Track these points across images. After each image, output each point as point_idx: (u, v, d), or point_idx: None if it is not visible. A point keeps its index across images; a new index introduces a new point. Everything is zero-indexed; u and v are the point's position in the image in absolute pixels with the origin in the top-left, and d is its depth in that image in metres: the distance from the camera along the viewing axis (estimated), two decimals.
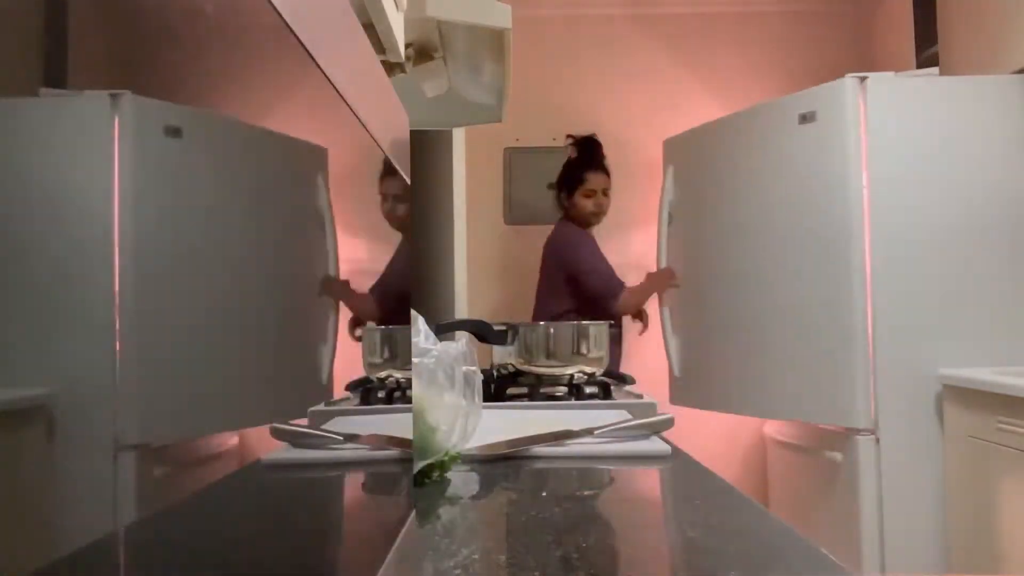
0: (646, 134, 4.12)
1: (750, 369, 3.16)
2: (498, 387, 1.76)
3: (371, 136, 0.67)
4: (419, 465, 0.95)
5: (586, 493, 1.08)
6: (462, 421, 1.04)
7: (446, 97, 1.78)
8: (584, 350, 1.72)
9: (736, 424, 3.84)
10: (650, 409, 1.66)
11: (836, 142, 2.87)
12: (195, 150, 0.36)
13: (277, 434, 0.46)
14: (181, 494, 0.33)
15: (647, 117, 4.15)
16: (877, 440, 2.76)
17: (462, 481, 1.02)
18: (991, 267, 2.83)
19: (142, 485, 0.30)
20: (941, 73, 3.30)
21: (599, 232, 3.74)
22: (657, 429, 1.18)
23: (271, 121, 0.45)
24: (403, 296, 0.69)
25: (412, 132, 1.14)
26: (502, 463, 1.14)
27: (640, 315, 3.73)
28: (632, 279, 3.58)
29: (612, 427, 1.18)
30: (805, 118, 2.97)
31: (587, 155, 3.72)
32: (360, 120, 0.62)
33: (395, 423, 0.82)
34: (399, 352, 0.84)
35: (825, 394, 2.84)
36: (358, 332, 0.67)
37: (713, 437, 4.00)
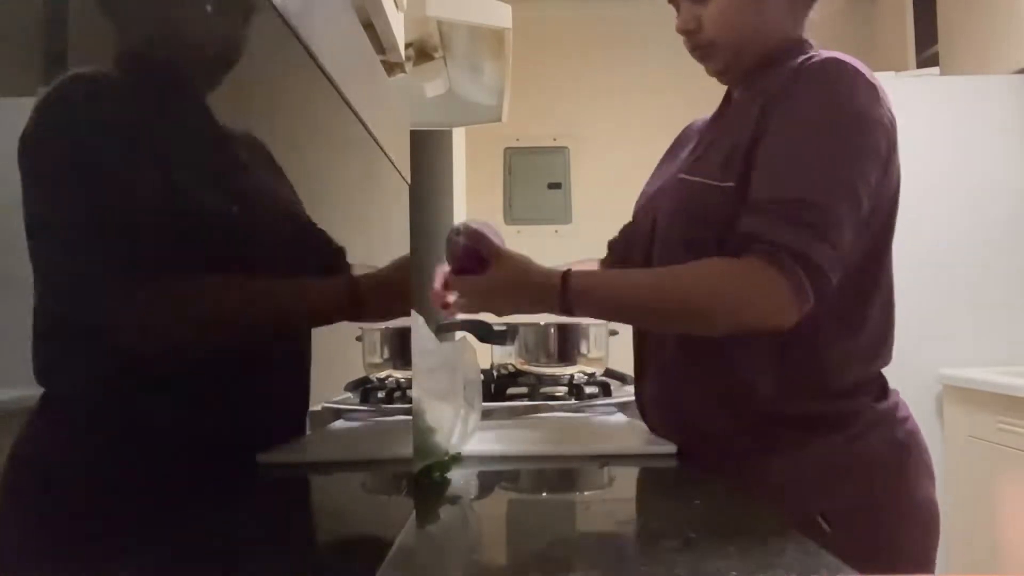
0: (647, 134, 4.12)
1: None
2: (498, 387, 1.76)
3: (371, 135, 0.67)
4: (419, 465, 0.95)
5: (587, 493, 1.08)
6: (462, 421, 1.04)
7: (446, 97, 1.78)
8: (584, 350, 1.72)
9: None
10: None
11: None
12: None
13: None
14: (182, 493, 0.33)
15: (648, 117, 4.15)
16: None
17: (462, 481, 1.02)
18: (991, 267, 2.83)
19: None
20: (941, 73, 3.30)
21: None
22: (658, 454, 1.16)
23: (271, 119, 0.45)
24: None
25: (412, 132, 1.14)
26: (502, 463, 1.14)
27: None
28: None
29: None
30: None
31: None
32: (360, 120, 0.62)
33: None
34: (399, 352, 0.84)
35: None
36: (358, 332, 0.67)
37: None
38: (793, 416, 1.10)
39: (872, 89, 1.08)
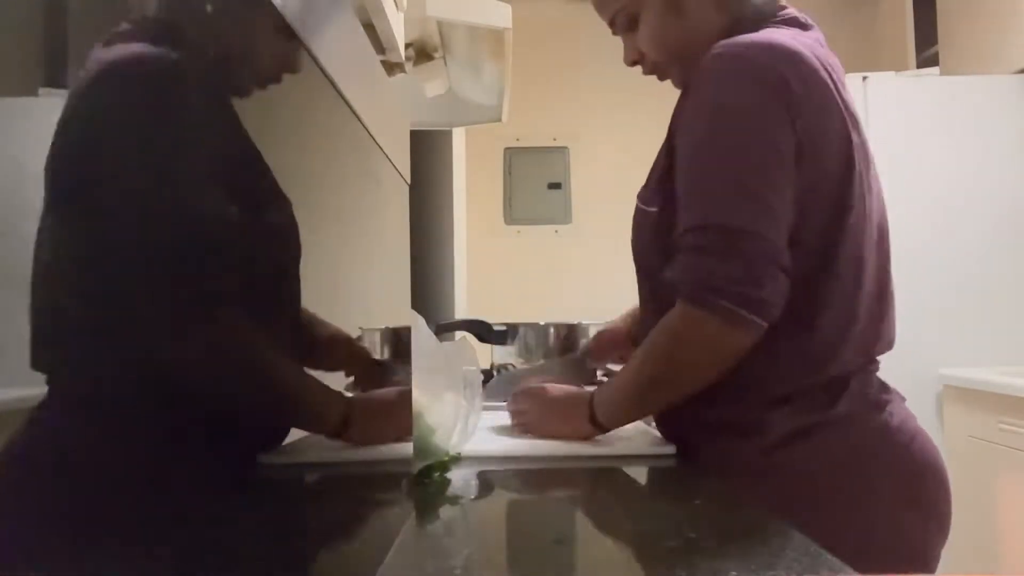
0: (647, 134, 4.12)
1: None
2: None
3: (371, 136, 0.67)
4: (419, 465, 0.95)
5: (586, 493, 1.08)
6: (462, 421, 1.04)
7: (446, 97, 1.78)
8: None
9: None
10: None
11: None
12: None
13: None
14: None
15: (648, 117, 4.15)
16: None
17: (462, 481, 1.02)
18: (991, 267, 2.83)
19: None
20: (941, 73, 3.30)
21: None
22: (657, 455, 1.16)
23: (271, 120, 0.45)
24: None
25: (412, 132, 1.14)
26: (502, 463, 1.14)
27: None
28: None
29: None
30: None
31: None
32: (360, 120, 0.62)
33: None
34: (399, 352, 0.84)
35: None
36: (358, 332, 0.66)
37: None
38: (711, 422, 1.09)
39: (753, 74, 1.02)
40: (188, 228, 0.33)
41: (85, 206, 0.26)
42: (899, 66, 3.72)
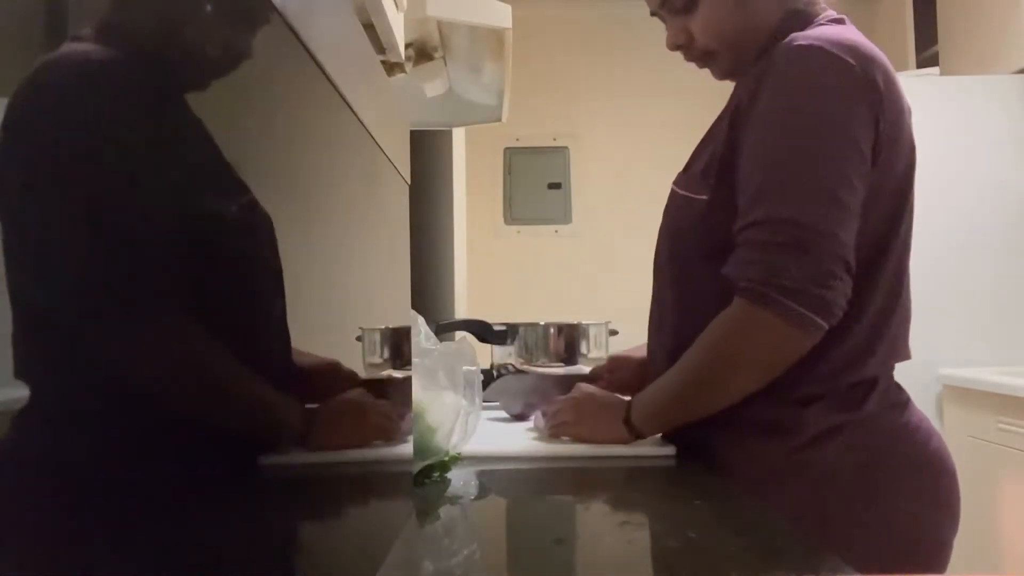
0: (647, 134, 4.12)
1: None
2: None
3: (371, 136, 0.67)
4: (419, 465, 0.95)
5: (587, 493, 1.08)
6: (462, 421, 1.04)
7: (446, 97, 1.78)
8: (584, 350, 1.72)
9: None
10: None
11: None
12: None
13: None
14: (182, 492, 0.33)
15: (648, 117, 4.15)
16: None
17: (462, 481, 1.02)
18: (991, 267, 2.83)
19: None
20: (941, 73, 3.30)
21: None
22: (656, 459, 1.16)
23: (270, 120, 0.45)
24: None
25: (412, 132, 1.14)
26: (502, 463, 1.14)
27: None
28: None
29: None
30: None
31: None
32: (360, 120, 0.62)
33: None
34: (399, 352, 0.84)
35: None
36: (357, 332, 0.66)
37: None
38: (742, 421, 1.07)
39: (843, 74, 0.99)
40: (144, 230, 0.33)
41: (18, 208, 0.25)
42: (899, 66, 3.72)
